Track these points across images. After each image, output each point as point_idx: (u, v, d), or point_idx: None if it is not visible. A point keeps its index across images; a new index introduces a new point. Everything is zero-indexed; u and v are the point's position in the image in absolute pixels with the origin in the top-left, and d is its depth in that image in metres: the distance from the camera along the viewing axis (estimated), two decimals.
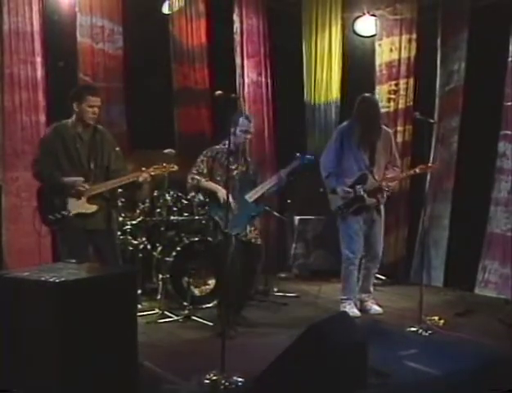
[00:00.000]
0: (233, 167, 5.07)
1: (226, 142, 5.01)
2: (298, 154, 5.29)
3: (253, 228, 5.17)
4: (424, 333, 4.90)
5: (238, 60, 7.39)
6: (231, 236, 4.88)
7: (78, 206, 4.61)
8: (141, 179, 4.76)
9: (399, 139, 7.21)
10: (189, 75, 7.06)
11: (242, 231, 5.04)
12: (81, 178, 4.61)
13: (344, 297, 5.60)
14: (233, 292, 4.81)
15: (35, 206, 4.69)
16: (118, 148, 4.90)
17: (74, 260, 3.76)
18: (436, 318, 5.21)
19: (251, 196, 5.11)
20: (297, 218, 7.46)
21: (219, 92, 4.26)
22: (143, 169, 4.77)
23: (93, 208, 4.66)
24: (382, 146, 5.55)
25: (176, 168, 4.96)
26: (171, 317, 5.37)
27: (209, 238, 5.61)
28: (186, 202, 6.08)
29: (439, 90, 7.04)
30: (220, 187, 5.03)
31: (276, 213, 6.72)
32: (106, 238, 4.73)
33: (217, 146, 5.22)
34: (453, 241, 6.82)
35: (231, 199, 4.84)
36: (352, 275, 5.56)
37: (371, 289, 5.78)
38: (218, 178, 5.10)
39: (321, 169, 5.59)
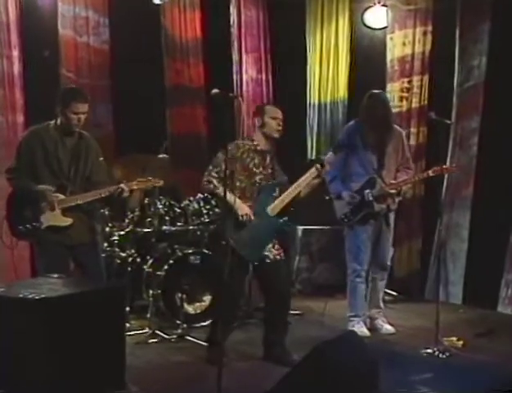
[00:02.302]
0: (258, 170, 4.78)
1: (254, 137, 4.87)
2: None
3: (272, 244, 4.83)
4: (440, 356, 4.88)
5: (236, 56, 7.43)
6: (248, 261, 4.63)
7: (52, 219, 4.59)
8: (124, 194, 4.72)
9: (412, 142, 7.22)
10: (182, 72, 7.10)
11: (260, 255, 4.68)
12: (50, 188, 4.59)
13: (352, 314, 5.59)
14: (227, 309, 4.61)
15: (4, 215, 4.66)
16: (102, 158, 4.88)
17: (55, 275, 3.74)
18: (454, 338, 5.21)
19: (273, 209, 4.71)
20: (300, 228, 7.48)
21: (216, 90, 4.25)
22: (123, 182, 4.73)
23: (68, 221, 4.63)
24: (392, 148, 5.56)
25: (161, 183, 4.90)
26: (162, 337, 5.36)
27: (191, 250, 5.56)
28: (179, 211, 6.10)
29: (457, 88, 7.04)
30: (241, 203, 4.62)
31: None
32: (88, 253, 4.71)
33: (245, 142, 4.84)
34: (473, 253, 6.81)
35: (251, 215, 4.60)
36: (360, 289, 5.56)
37: (381, 304, 5.78)
38: (238, 184, 4.72)
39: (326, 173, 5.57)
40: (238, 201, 4.61)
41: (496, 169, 6.54)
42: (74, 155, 4.69)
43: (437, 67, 7.23)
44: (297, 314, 6.27)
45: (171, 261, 5.73)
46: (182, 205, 6.11)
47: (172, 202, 6.08)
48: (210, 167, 4.72)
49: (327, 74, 7.86)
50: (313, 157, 7.83)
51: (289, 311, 5.03)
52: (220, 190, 4.58)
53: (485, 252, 6.59)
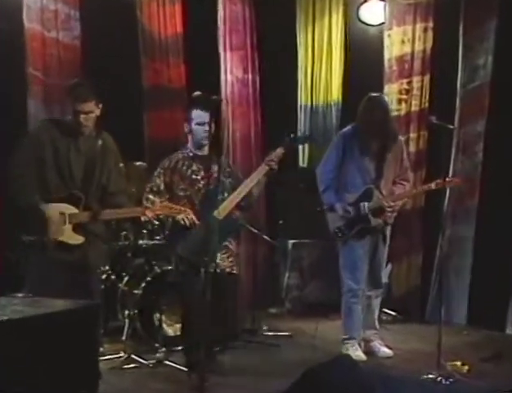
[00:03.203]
0: (199, 176, 5.03)
1: (188, 145, 5.11)
2: (286, 136, 5.23)
3: (226, 255, 5.12)
4: (443, 382, 4.85)
5: (220, 55, 7.44)
6: (199, 268, 4.74)
7: (61, 234, 4.44)
8: (143, 218, 4.75)
9: (412, 148, 7.26)
10: (161, 72, 7.12)
11: (212, 260, 4.80)
12: (63, 207, 4.42)
13: (346, 337, 5.58)
14: (203, 334, 4.67)
15: None
16: (122, 164, 4.84)
17: (20, 294, 3.71)
18: (458, 363, 5.20)
19: (220, 212, 4.86)
20: (290, 242, 7.52)
21: (198, 92, 4.31)
22: (148, 205, 4.74)
23: (79, 239, 4.51)
24: (391, 156, 5.57)
25: (189, 213, 4.82)
26: (139, 361, 5.33)
27: (171, 267, 5.61)
28: (157, 223, 6.03)
29: (461, 89, 7.08)
30: (180, 207, 4.88)
31: (265, 236, 6.74)
32: (88, 278, 4.58)
33: (179, 153, 5.16)
34: (478, 269, 6.83)
35: (193, 218, 4.83)
36: (356, 310, 5.56)
37: (377, 325, 5.79)
38: (181, 194, 5.03)
39: (318, 182, 5.61)
40: (178, 208, 4.84)
41: (504, 178, 6.56)
42: (88, 160, 4.56)
43: (438, 67, 7.26)
44: (286, 336, 6.31)
45: (148, 278, 5.72)
46: (161, 217, 6.06)
47: None
48: (146, 188, 5.06)
49: (319, 75, 7.90)
50: (304, 165, 7.86)
51: (228, 327, 5.26)
52: (157, 203, 4.84)
53: (491, 268, 6.59)
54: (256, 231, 6.33)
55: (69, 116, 4.58)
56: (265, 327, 6.48)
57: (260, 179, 5.04)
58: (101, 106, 4.60)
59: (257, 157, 7.61)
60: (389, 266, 6.88)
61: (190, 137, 5.11)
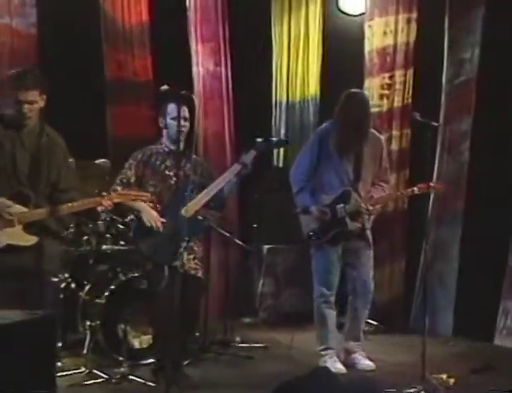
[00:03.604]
0: (171, 173, 5.07)
1: (163, 140, 5.18)
2: (258, 139, 5.27)
3: (192, 256, 5.15)
4: None
5: (190, 46, 7.43)
6: (163, 267, 4.79)
7: (10, 236, 4.41)
8: (100, 209, 4.75)
9: (394, 147, 7.28)
10: (126, 64, 7.10)
11: (177, 259, 4.87)
12: (5, 201, 4.39)
13: (322, 347, 5.57)
14: (170, 343, 4.72)
15: None
16: (71, 159, 4.82)
17: None
18: (444, 375, 5.18)
19: (188, 210, 4.91)
20: (265, 247, 7.52)
21: (165, 86, 4.31)
22: (104, 193, 4.69)
23: (32, 239, 4.48)
24: (370, 156, 5.58)
25: (151, 199, 4.88)
26: (101, 377, 5.24)
27: (137, 274, 5.63)
28: (122, 227, 6.04)
29: (446, 84, 7.10)
30: (145, 205, 4.96)
31: (237, 240, 6.72)
32: (41, 284, 4.54)
33: (153, 146, 5.22)
34: (464, 276, 6.84)
35: (160, 223, 4.91)
36: (329, 317, 5.56)
37: (362, 336, 5.77)
38: (151, 189, 5.07)
39: (292, 183, 5.60)
40: (144, 205, 4.93)
41: (491, 179, 6.57)
42: (33, 155, 4.54)
43: (422, 60, 7.28)
44: (261, 347, 6.29)
45: (112, 287, 5.67)
46: (127, 220, 6.02)
47: (115, 217, 6.01)
48: (116, 179, 5.11)
49: (296, 68, 7.93)
50: (280, 164, 7.85)
51: (191, 335, 5.24)
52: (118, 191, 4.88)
53: (479, 275, 6.60)
54: (228, 234, 6.30)
55: (10, 109, 4.57)
56: (238, 338, 6.43)
57: (231, 179, 5.09)
58: (45, 96, 4.59)
59: (231, 155, 7.68)
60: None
61: (165, 132, 5.17)
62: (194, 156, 5.22)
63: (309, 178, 5.52)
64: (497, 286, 6.51)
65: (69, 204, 4.56)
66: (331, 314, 5.57)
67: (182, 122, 5.02)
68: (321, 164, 5.52)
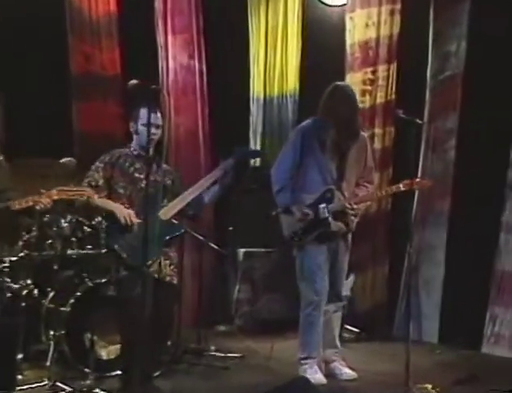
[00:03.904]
0: (141, 175, 5.06)
1: (132, 144, 5.18)
2: (236, 147, 5.28)
3: (168, 262, 5.13)
4: None
5: (161, 38, 7.40)
6: (137, 271, 4.71)
7: None
8: (39, 207, 4.70)
9: (377, 145, 7.30)
10: (93, 56, 7.06)
11: (153, 264, 4.93)
12: None
13: (304, 356, 5.52)
14: (139, 353, 4.63)
15: None
16: (1, 158, 4.82)
17: None
18: (429, 386, 5.19)
19: (166, 213, 4.99)
20: (241, 251, 7.51)
21: (134, 81, 4.26)
22: (42, 190, 4.64)
23: None
24: (355, 155, 5.58)
25: (92, 194, 4.90)
26: (66, 389, 5.19)
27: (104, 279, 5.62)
28: (89, 230, 6.00)
29: (431, 79, 7.13)
30: (118, 205, 4.99)
31: (212, 244, 6.68)
32: None
33: (121, 149, 5.22)
34: (450, 280, 6.87)
35: (136, 219, 4.91)
36: (316, 325, 5.51)
37: (338, 343, 5.75)
38: (121, 191, 5.07)
39: (273, 182, 5.58)
40: (116, 204, 4.99)
41: (478, 178, 6.58)
42: None
43: (406, 54, 7.28)
44: (237, 357, 6.26)
45: (78, 293, 5.62)
46: (94, 222, 5.99)
47: (81, 219, 5.97)
48: (83, 181, 5.08)
49: (274, 62, 7.92)
50: (257, 163, 7.85)
51: (162, 345, 5.26)
52: (95, 197, 4.96)
53: (465, 279, 6.62)
54: (202, 238, 6.29)
55: None
56: (212, 347, 6.41)
57: (209, 186, 5.11)
58: None
59: (205, 155, 7.67)
60: (352, 277, 6.89)
61: (135, 137, 5.16)
62: (164, 165, 5.21)
63: (291, 176, 5.52)
64: (485, 291, 6.53)
65: (5, 203, 4.61)
66: (318, 322, 5.52)
67: (153, 130, 4.99)
68: (303, 163, 5.51)
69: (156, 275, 4.96)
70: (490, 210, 6.54)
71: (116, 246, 4.95)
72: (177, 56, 7.45)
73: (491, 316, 6.50)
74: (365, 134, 5.86)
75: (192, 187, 5.10)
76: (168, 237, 5.02)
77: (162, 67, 7.37)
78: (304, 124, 5.72)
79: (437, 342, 6.83)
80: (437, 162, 7.03)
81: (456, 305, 6.71)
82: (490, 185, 6.52)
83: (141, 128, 5.05)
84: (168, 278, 5.10)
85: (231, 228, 7.26)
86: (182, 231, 5.26)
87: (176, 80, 7.44)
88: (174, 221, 5.08)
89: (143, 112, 5.02)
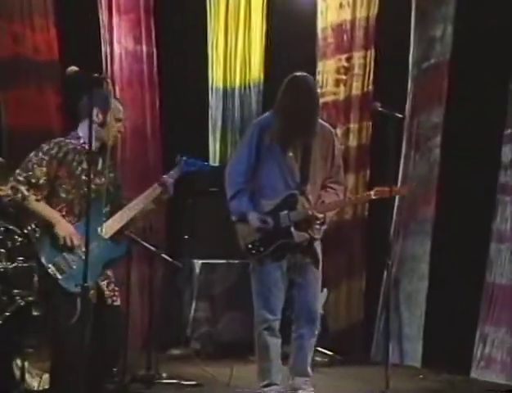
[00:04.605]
0: (87, 178, 4.80)
1: (80, 132, 4.92)
2: (182, 157, 5.17)
3: (105, 282, 4.94)
4: None
5: (104, 18, 7.32)
6: (75, 296, 4.55)
7: None
8: None
9: (352, 142, 7.34)
10: (24, 38, 6.96)
11: (92, 286, 4.68)
12: None
13: (265, 383, 5.49)
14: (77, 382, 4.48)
15: None
16: None
17: None
18: None
19: (106, 230, 4.81)
20: (198, 262, 7.45)
21: (73, 67, 4.19)
22: None
23: None
24: (320, 153, 5.53)
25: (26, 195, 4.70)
26: None
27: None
28: (21, 239, 5.87)
29: (413, 68, 7.16)
30: (61, 219, 4.73)
31: (164, 255, 6.60)
32: None
33: (68, 140, 4.93)
34: (435, 296, 6.88)
35: (77, 240, 4.69)
36: (273, 347, 5.49)
37: (309, 370, 5.66)
38: (63, 196, 4.84)
39: (227, 186, 5.54)
40: (58, 217, 4.71)
41: (466, 181, 6.60)
42: None
43: (386, 39, 7.30)
44: (193, 385, 6.22)
45: (7, 313, 5.49)
46: (27, 231, 5.82)
47: (11, 227, 5.85)
48: (18, 171, 4.77)
49: (235, 48, 7.93)
50: (216, 163, 7.87)
51: (106, 372, 5.10)
52: (32, 199, 4.66)
53: (452, 295, 6.63)
54: (153, 248, 6.21)
55: None
56: (164, 374, 6.34)
57: (153, 199, 5.00)
58: None
59: (154, 153, 7.63)
60: (324, 292, 6.87)
61: (94, 128, 4.81)
62: (110, 163, 5.03)
63: (247, 179, 5.47)
64: (474, 308, 6.54)
65: None
66: (275, 343, 5.50)
67: (122, 128, 4.99)
68: (261, 164, 5.47)
69: (94, 300, 4.75)
70: (479, 217, 6.56)
71: (50, 266, 4.70)
72: (122, 39, 7.38)
73: (480, 336, 6.51)
74: (332, 129, 5.80)
75: (134, 200, 4.96)
76: (110, 258, 4.86)
77: (105, 52, 7.29)
78: (261, 118, 5.72)
79: (420, 366, 6.85)
80: (420, 162, 7.06)
81: (442, 324, 6.72)
82: (479, 188, 6.53)
83: (111, 122, 4.85)
84: (108, 301, 4.91)
85: (186, 237, 7.25)
86: (126, 251, 5.12)
87: (121, 68, 7.38)
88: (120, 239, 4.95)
89: (115, 103, 4.86)
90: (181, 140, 7.38)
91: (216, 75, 7.92)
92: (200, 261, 7.42)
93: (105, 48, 7.30)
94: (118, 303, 4.96)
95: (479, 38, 6.52)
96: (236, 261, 7.26)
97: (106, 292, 4.90)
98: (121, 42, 7.37)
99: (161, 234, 7.33)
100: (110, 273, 4.98)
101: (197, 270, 7.42)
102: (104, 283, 4.89)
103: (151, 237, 6.35)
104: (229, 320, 7.43)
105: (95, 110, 4.71)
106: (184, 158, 5.14)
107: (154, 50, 7.55)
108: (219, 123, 7.95)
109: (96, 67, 5.63)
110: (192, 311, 7.39)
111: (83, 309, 4.41)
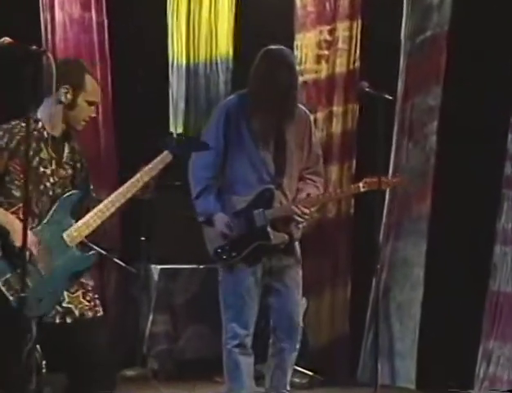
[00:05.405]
0: (48, 170, 4.72)
1: (40, 115, 4.75)
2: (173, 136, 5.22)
3: (80, 292, 4.75)
4: None
5: None
6: (31, 321, 4.45)
7: None
8: None
9: (336, 128, 7.37)
10: None
11: (50, 308, 4.58)
12: None
13: None
14: None
15: None
16: None
17: None
18: None
19: (72, 236, 4.61)
20: (157, 268, 7.44)
21: (7, 38, 4.11)
22: None
23: None
24: (296, 141, 5.54)
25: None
26: None
27: None
28: None
29: (406, 42, 7.18)
30: (18, 224, 4.52)
31: (117, 259, 6.72)
32: None
33: (21, 125, 4.72)
34: (431, 307, 6.89)
35: (37, 250, 4.53)
36: (244, 366, 5.50)
37: (288, 388, 5.67)
38: (17, 194, 4.69)
39: (191, 181, 5.53)
40: (15, 223, 4.52)
41: (466, 173, 6.64)
42: None
43: (374, 8, 7.31)
44: None
45: None
46: None
47: None
48: None
49: (199, 18, 7.88)
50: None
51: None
52: None
53: (450, 305, 6.63)
54: (104, 252, 6.11)
55: None
56: None
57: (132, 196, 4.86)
58: None
59: (105, 139, 7.55)
60: (303, 302, 6.80)
61: (60, 109, 4.74)
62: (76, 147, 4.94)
63: (215, 174, 5.47)
64: (475, 322, 6.57)
65: None
66: (246, 362, 5.50)
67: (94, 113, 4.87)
68: (229, 154, 5.46)
69: (69, 319, 4.62)
70: (482, 215, 6.60)
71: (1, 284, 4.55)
72: (65, 5, 7.31)
73: (484, 352, 6.57)
74: (307, 111, 5.76)
75: (108, 199, 4.77)
76: (76, 270, 4.66)
77: (45, 19, 7.23)
78: (228, 100, 5.71)
79: (414, 387, 6.87)
80: (414, 151, 7.09)
81: (439, 338, 6.75)
82: (482, 182, 6.58)
83: (82, 104, 4.71)
84: (89, 314, 4.71)
85: (143, 238, 7.21)
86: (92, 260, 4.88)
87: (65, 38, 7.32)
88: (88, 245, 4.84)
89: (89, 82, 4.73)
90: (137, 125, 7.40)
91: (177, 49, 7.86)
92: (159, 266, 7.40)
93: (44, 15, 7.22)
94: (97, 314, 4.76)
95: (483, 5, 6.53)
96: (201, 266, 7.26)
97: (84, 304, 4.71)
98: (64, 8, 7.31)
99: (114, 236, 7.32)
100: (84, 279, 4.80)
101: (155, 277, 7.38)
102: (78, 294, 4.71)
103: (103, 238, 6.32)
104: (192, 335, 7.44)
105: (63, 89, 4.61)
106: (170, 140, 4.92)
107: (105, 19, 7.50)
108: (182, 105, 7.92)
109: (35, 39, 5.49)
110: (149, 325, 7.34)
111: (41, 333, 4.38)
